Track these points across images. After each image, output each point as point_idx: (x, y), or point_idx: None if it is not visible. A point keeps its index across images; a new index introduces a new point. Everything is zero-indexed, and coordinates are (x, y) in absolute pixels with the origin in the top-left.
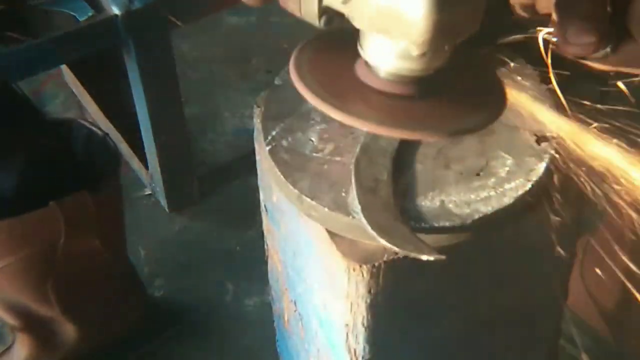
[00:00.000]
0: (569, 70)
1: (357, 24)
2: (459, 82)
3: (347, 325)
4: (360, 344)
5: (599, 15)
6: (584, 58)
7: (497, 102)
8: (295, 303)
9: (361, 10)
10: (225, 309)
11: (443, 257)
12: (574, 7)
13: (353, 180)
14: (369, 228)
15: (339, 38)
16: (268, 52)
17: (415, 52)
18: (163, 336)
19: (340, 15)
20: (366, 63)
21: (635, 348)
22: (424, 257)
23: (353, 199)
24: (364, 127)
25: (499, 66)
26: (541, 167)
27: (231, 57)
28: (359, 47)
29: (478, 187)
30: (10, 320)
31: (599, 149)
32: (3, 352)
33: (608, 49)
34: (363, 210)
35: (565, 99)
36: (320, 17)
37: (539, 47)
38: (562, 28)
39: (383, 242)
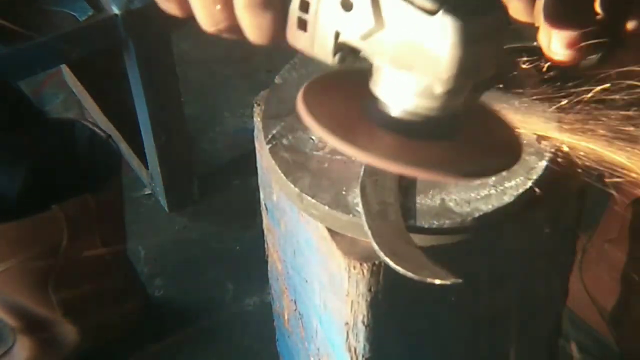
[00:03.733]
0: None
1: (377, 60)
2: (472, 128)
3: (347, 323)
4: (360, 343)
5: (585, 24)
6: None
7: (512, 149)
8: (295, 302)
9: (383, 45)
10: (225, 309)
11: (460, 280)
12: (559, 16)
13: (360, 206)
14: (382, 254)
15: (346, 76)
16: (268, 52)
17: (439, 89)
18: (163, 336)
19: (354, 53)
20: (379, 101)
21: (635, 347)
22: (439, 282)
23: (362, 225)
24: (378, 164)
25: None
26: (541, 166)
27: (231, 57)
28: (371, 85)
29: (478, 185)
30: (11, 321)
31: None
32: (4, 353)
33: (596, 57)
34: (374, 236)
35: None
36: (334, 54)
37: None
38: (547, 37)
39: (398, 268)
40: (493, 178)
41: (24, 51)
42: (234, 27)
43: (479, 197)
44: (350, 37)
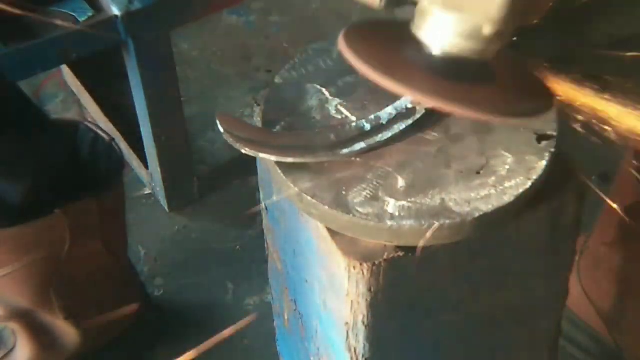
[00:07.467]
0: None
1: (427, 0)
2: (505, 74)
3: (347, 323)
4: (360, 343)
5: None
6: None
7: (544, 97)
8: (295, 302)
9: None
10: (225, 309)
11: None
12: None
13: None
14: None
15: (383, 25)
16: (268, 52)
17: (488, 30)
18: (163, 336)
19: None
20: (420, 44)
21: (633, 347)
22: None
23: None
24: (421, 98)
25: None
26: (541, 166)
27: (231, 56)
28: (413, 28)
29: (478, 185)
30: (12, 324)
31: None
32: (5, 355)
33: None
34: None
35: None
36: None
37: None
38: None
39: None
40: (493, 178)
41: (24, 51)
42: None
43: (479, 197)
44: None
